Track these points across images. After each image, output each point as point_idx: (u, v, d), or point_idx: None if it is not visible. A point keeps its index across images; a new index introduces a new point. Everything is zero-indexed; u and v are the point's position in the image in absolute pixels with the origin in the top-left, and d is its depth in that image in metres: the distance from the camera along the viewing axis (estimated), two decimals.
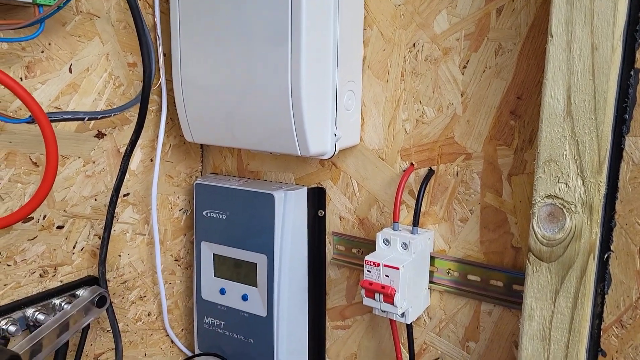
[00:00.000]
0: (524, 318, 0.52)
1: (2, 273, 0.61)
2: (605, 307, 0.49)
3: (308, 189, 0.73)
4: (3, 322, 0.60)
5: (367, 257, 0.62)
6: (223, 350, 0.78)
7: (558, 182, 0.49)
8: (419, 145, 0.65)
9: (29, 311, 0.62)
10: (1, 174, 0.60)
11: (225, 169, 0.83)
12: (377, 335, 0.72)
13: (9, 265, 0.62)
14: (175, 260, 0.82)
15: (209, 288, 0.78)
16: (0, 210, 0.60)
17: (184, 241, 0.83)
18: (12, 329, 0.60)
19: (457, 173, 0.63)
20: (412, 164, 0.66)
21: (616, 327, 0.49)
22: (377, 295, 0.61)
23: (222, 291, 0.77)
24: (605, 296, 0.49)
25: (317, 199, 0.74)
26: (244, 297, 0.75)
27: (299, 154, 0.62)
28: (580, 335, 0.50)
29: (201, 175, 0.84)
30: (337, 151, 0.64)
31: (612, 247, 0.48)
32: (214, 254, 0.77)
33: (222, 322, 0.77)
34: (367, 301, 0.62)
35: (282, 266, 0.71)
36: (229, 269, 0.76)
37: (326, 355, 0.77)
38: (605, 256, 0.49)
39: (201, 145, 0.83)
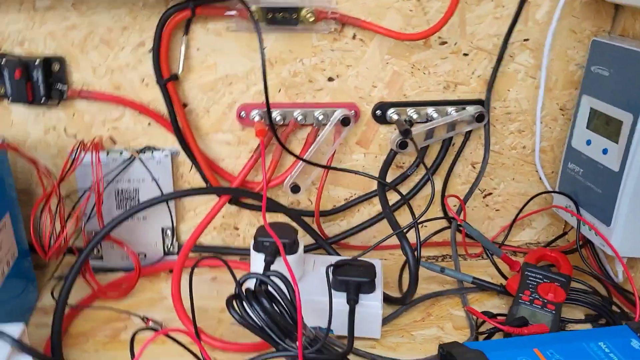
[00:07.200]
0: None
1: (419, 78, 0.87)
2: None
3: None
4: (412, 110, 0.87)
5: None
6: (577, 194, 0.87)
7: None
8: None
9: (429, 109, 0.87)
10: None
11: (633, 33, 0.84)
12: None
13: (424, 74, 0.87)
14: (561, 109, 0.92)
15: (579, 137, 0.86)
16: (424, 25, 0.84)
17: (573, 94, 0.91)
18: (415, 116, 0.86)
19: None
20: None
21: None
22: None
23: (588, 142, 0.84)
24: None
25: None
26: (604, 151, 0.80)
27: None
28: None
29: (608, 35, 0.88)
30: None
31: None
32: (590, 108, 0.84)
33: (582, 170, 0.85)
34: None
35: None
36: (599, 123, 0.82)
37: None
38: None
39: (616, 5, 0.86)
